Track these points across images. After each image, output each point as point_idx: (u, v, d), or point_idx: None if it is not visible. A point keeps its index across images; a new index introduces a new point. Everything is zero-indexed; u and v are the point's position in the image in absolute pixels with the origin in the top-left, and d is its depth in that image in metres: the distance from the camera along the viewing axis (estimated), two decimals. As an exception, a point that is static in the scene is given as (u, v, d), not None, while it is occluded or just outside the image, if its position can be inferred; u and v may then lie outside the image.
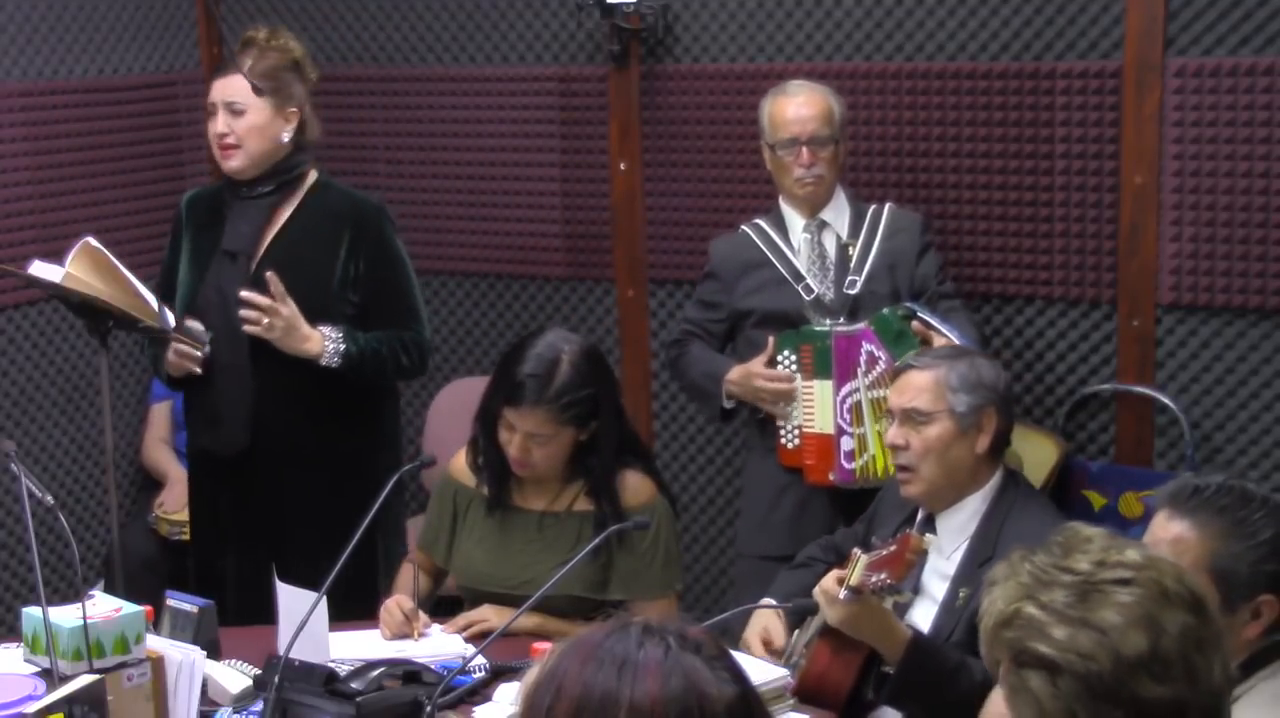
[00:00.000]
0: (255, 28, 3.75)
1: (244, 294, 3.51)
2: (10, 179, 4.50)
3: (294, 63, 3.68)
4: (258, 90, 3.59)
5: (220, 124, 3.60)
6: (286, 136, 3.64)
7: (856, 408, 3.64)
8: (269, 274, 3.51)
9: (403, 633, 3.14)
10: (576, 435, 3.20)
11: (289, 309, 3.50)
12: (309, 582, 2.96)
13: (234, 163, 3.62)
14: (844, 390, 3.65)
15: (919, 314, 3.61)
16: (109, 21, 4.82)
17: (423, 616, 3.18)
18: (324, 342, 3.54)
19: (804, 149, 3.75)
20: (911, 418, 3.09)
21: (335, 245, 3.62)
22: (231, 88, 3.61)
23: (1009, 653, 1.72)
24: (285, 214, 3.66)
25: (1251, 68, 3.81)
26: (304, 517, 3.59)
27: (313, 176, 3.71)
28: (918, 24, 4.19)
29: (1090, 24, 3.99)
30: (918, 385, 3.10)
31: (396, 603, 3.17)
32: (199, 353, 3.57)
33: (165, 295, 3.70)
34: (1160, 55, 3.90)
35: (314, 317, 3.55)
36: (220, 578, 3.69)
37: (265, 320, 3.49)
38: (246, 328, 3.51)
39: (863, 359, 3.62)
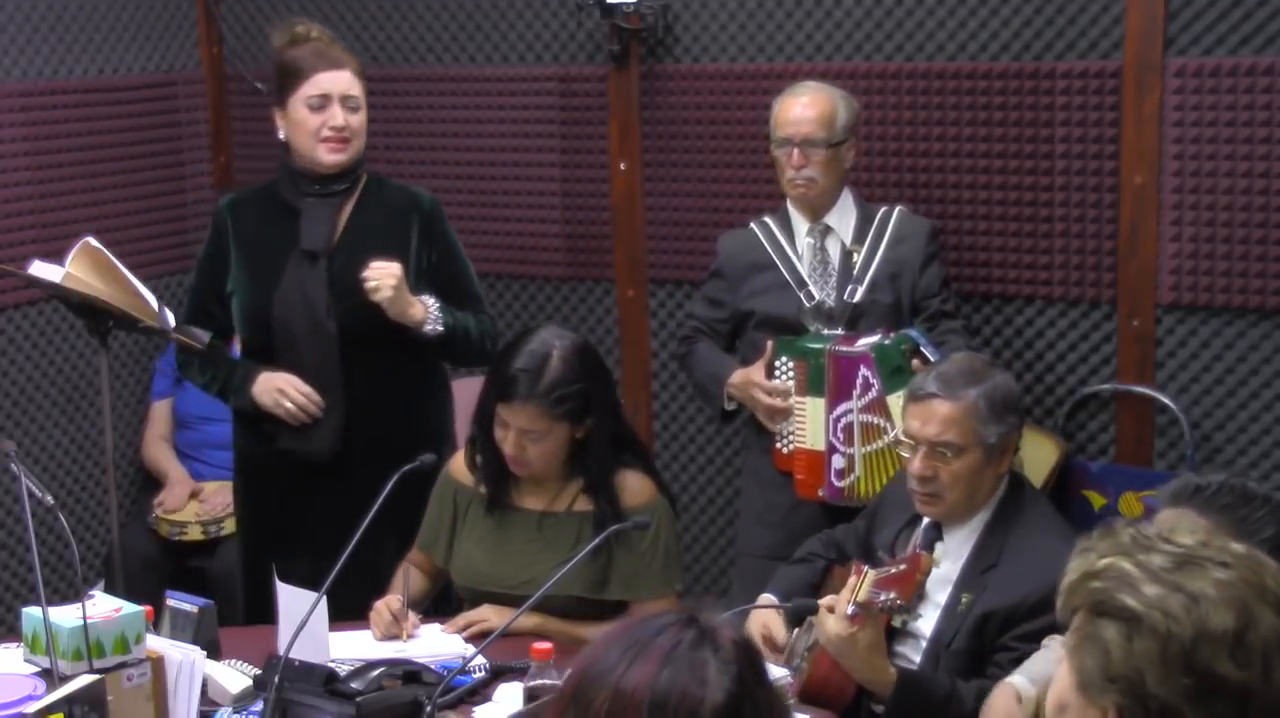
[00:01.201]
0: (303, 23, 3.74)
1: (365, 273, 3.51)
2: (10, 179, 4.50)
3: None
4: (365, 89, 3.66)
5: (340, 118, 3.60)
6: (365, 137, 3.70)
7: (849, 429, 3.62)
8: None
9: (392, 634, 3.13)
10: (571, 432, 3.20)
11: (399, 268, 3.51)
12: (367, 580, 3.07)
13: (343, 157, 3.62)
14: (839, 410, 3.61)
15: (922, 348, 3.57)
16: (109, 21, 4.82)
17: (412, 615, 3.18)
18: (426, 309, 3.56)
19: (795, 150, 3.74)
20: (940, 451, 3.00)
21: (405, 238, 3.65)
22: (345, 82, 3.63)
23: (1090, 602, 1.68)
24: (347, 211, 3.68)
25: (1251, 68, 3.81)
26: (394, 518, 3.35)
27: (364, 173, 3.74)
28: (918, 24, 4.19)
29: (1090, 24, 3.99)
30: (945, 418, 2.99)
31: (385, 604, 3.17)
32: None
33: (204, 303, 3.71)
34: (1160, 55, 3.90)
35: None
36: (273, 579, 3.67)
37: (374, 283, 3.48)
38: (374, 296, 3.49)
39: (859, 383, 3.60)
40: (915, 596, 2.82)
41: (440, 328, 3.58)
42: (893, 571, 2.82)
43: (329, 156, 3.62)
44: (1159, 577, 1.66)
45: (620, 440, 3.27)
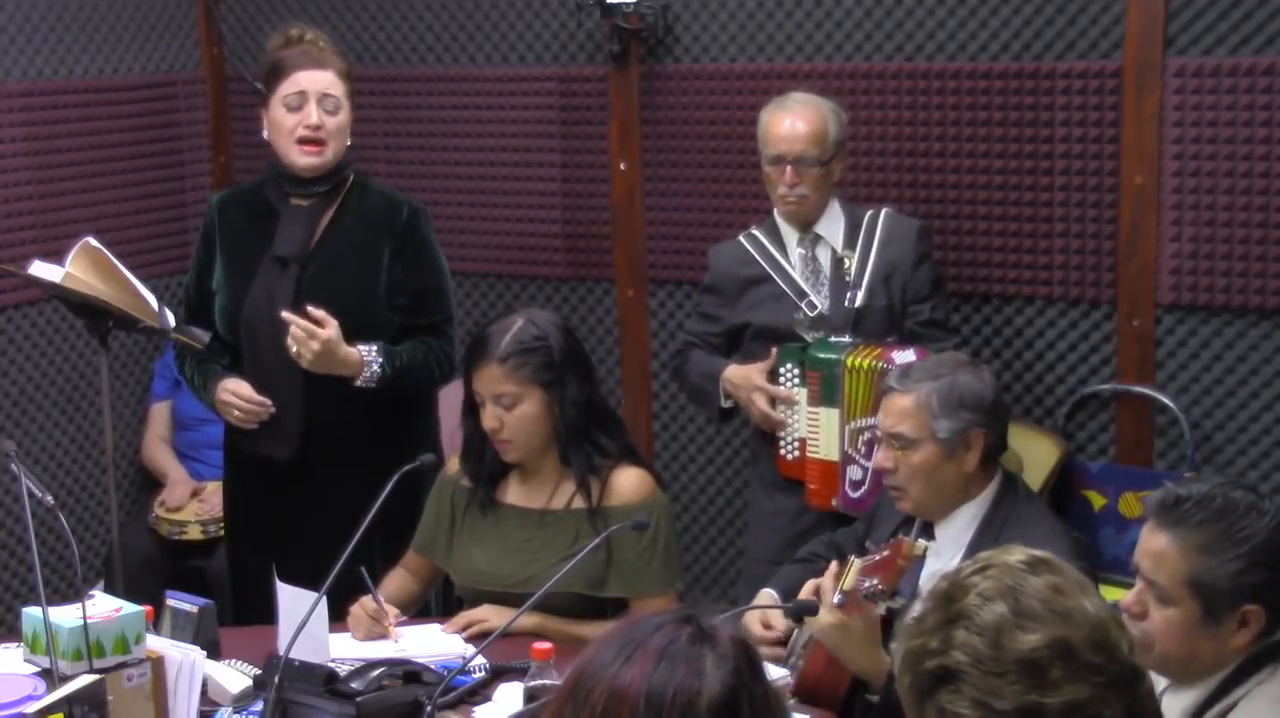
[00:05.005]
0: (299, 27, 3.72)
1: (285, 315, 3.46)
2: (10, 179, 4.50)
3: None
4: (350, 92, 3.61)
5: (314, 116, 3.55)
6: (348, 140, 3.65)
7: (870, 443, 3.58)
8: (309, 309, 3.48)
9: (375, 633, 3.13)
10: (546, 399, 3.19)
11: (327, 333, 3.44)
12: (359, 583, 3.05)
13: (317, 159, 3.57)
14: (862, 422, 3.57)
15: None
16: (109, 21, 4.82)
17: (391, 608, 3.18)
18: (362, 365, 3.50)
19: (789, 168, 3.70)
20: (895, 443, 3.06)
21: (379, 250, 3.59)
22: (326, 81, 3.57)
23: (914, 696, 1.72)
24: (328, 217, 3.64)
25: (1251, 68, 3.81)
26: (357, 520, 3.37)
27: (350, 176, 3.69)
28: (918, 24, 4.19)
29: (1090, 24, 3.99)
30: (900, 410, 3.07)
31: (360, 606, 3.16)
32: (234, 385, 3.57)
33: (198, 302, 3.70)
34: (1160, 55, 3.90)
35: (361, 318, 3.53)
36: (254, 580, 3.66)
37: (295, 348, 3.44)
38: (296, 357, 3.46)
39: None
40: (898, 581, 2.82)
41: (374, 384, 3.51)
42: (876, 558, 2.83)
43: (303, 159, 3.57)
44: (938, 627, 1.71)
45: (595, 408, 3.26)
